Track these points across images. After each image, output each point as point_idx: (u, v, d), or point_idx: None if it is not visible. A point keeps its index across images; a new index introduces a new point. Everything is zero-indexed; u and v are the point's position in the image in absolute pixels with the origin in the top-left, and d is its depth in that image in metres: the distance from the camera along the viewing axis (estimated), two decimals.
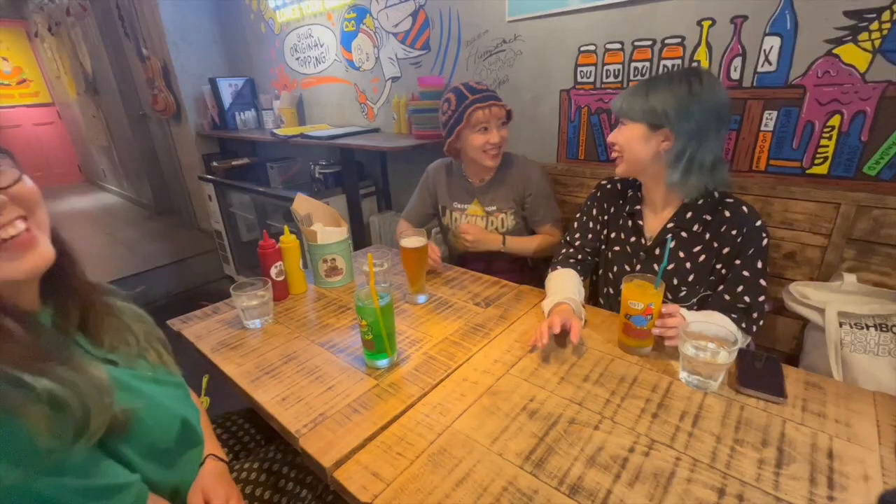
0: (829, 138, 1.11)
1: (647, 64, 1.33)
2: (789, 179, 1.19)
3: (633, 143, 0.97)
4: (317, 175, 2.30)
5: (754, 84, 1.17)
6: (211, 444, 0.77)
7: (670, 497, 0.58)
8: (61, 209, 4.95)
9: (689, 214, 1.00)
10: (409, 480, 0.62)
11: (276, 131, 2.37)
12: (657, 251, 1.04)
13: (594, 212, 1.16)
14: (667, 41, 1.28)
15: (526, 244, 1.37)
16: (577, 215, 1.20)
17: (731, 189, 0.99)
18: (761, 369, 0.79)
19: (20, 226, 0.48)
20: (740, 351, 0.82)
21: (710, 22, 1.20)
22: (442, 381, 0.83)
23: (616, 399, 0.76)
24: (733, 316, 0.93)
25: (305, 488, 0.82)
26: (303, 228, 1.22)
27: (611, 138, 1.02)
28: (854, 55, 1.03)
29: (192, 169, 3.36)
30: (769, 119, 1.17)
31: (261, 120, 2.92)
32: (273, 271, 1.12)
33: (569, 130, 1.57)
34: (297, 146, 2.41)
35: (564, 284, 1.05)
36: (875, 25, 0.99)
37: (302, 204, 1.26)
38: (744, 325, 0.93)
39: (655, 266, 1.03)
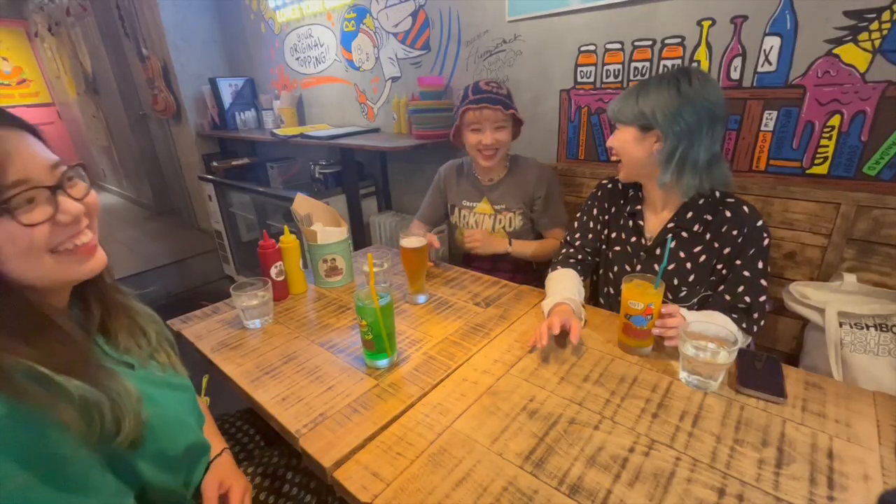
0: (829, 138, 1.11)
1: (647, 64, 1.33)
2: (789, 179, 1.19)
3: (626, 145, 0.98)
4: (317, 175, 2.30)
5: (754, 84, 1.17)
6: (219, 443, 0.78)
7: (670, 497, 0.58)
8: None
9: (689, 214, 1.00)
10: (409, 480, 0.62)
11: (276, 131, 2.37)
12: (657, 251, 1.04)
13: (594, 211, 1.16)
14: (667, 41, 1.28)
15: (532, 248, 1.37)
16: (578, 215, 1.20)
17: (733, 188, 0.99)
18: (761, 369, 0.79)
19: (89, 234, 0.54)
20: (740, 351, 0.82)
21: (710, 22, 1.20)
22: (442, 381, 0.83)
23: (616, 399, 0.76)
24: (734, 316, 0.93)
25: (309, 493, 0.82)
26: (303, 228, 1.22)
27: (609, 143, 1.03)
28: (854, 55, 1.03)
29: (192, 169, 3.36)
30: (769, 119, 1.17)
31: (261, 120, 2.92)
32: (273, 271, 1.12)
33: (569, 130, 1.57)
34: (297, 146, 2.41)
35: (564, 284, 1.05)
36: (875, 25, 0.99)
37: (302, 204, 1.26)
38: (744, 325, 0.93)
39: (656, 266, 1.03)
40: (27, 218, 0.47)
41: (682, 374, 0.80)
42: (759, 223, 0.94)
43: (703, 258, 0.99)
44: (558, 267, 1.14)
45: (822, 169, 1.14)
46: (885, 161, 1.05)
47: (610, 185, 1.15)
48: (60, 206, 0.50)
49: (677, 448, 0.66)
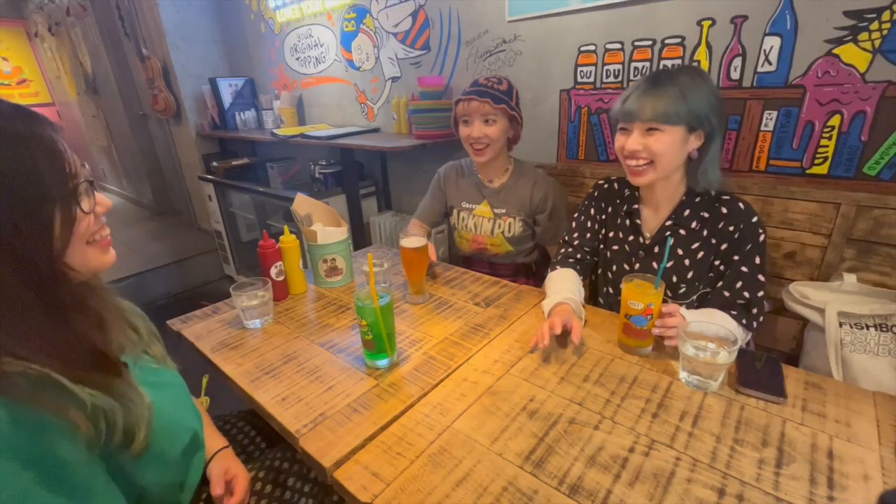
0: (829, 138, 1.11)
1: (647, 64, 1.33)
2: (789, 179, 1.19)
3: (673, 148, 0.93)
4: (317, 175, 2.30)
5: (754, 84, 1.17)
6: (219, 440, 0.79)
7: (670, 497, 0.58)
8: None
9: (687, 212, 1.00)
10: (409, 480, 0.62)
11: (276, 131, 2.37)
12: (656, 249, 1.04)
13: (592, 211, 1.16)
14: (667, 41, 1.28)
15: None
16: (575, 215, 1.20)
17: (726, 187, 1.00)
18: (761, 369, 0.79)
19: (108, 229, 0.61)
20: (740, 351, 0.82)
21: (710, 22, 1.20)
22: (442, 381, 0.83)
23: (616, 399, 0.76)
24: (733, 312, 0.93)
25: (309, 493, 0.82)
26: (303, 228, 1.22)
27: (640, 146, 0.93)
28: (854, 55, 1.03)
29: (192, 169, 3.36)
30: (769, 119, 1.17)
31: (261, 120, 2.92)
32: (273, 271, 1.12)
33: (569, 130, 1.57)
34: (297, 146, 2.41)
35: (564, 284, 1.05)
36: (875, 25, 0.99)
37: (302, 204, 1.26)
38: (744, 322, 0.93)
39: (654, 264, 1.03)
40: (87, 206, 0.53)
41: (682, 374, 0.80)
42: (755, 219, 0.95)
43: (700, 255, 1.00)
44: (557, 267, 1.14)
45: (822, 169, 1.14)
46: (886, 161, 1.05)
47: (606, 185, 1.15)
48: (97, 198, 0.56)
49: (677, 448, 0.66)
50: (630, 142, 0.95)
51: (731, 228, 0.96)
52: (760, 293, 0.94)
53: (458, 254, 1.53)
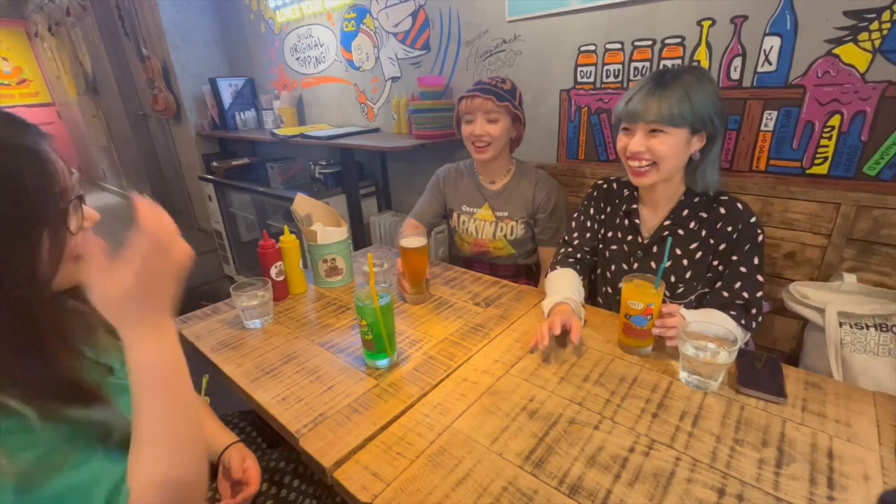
0: (829, 138, 1.11)
1: (647, 64, 1.33)
2: (789, 179, 1.19)
3: (676, 150, 0.93)
4: (317, 175, 2.30)
5: (754, 84, 1.17)
6: (228, 436, 0.81)
7: (670, 497, 0.58)
8: None
9: (685, 212, 1.00)
10: (409, 480, 0.62)
11: (276, 131, 2.37)
12: (654, 249, 1.04)
13: (591, 211, 1.16)
14: (667, 41, 1.28)
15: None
16: (575, 215, 1.20)
17: (724, 188, 1.01)
18: (761, 369, 0.79)
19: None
20: (740, 351, 0.82)
21: (710, 22, 1.20)
22: (442, 381, 0.83)
23: (616, 399, 0.76)
24: (732, 313, 0.93)
25: (309, 493, 0.82)
26: (303, 228, 1.22)
27: (643, 148, 0.93)
28: (854, 55, 1.03)
29: (192, 169, 3.36)
30: (769, 119, 1.17)
31: (261, 120, 2.92)
32: (273, 271, 1.12)
33: (569, 130, 1.57)
34: (297, 146, 2.41)
35: (564, 284, 1.05)
36: (875, 25, 0.99)
37: (302, 204, 1.26)
38: (743, 322, 0.93)
39: (653, 264, 1.04)
40: (74, 226, 0.50)
41: (682, 374, 0.80)
42: (753, 219, 0.95)
43: (699, 255, 1.00)
44: (557, 267, 1.14)
45: (822, 169, 1.14)
46: (885, 161, 1.05)
47: (605, 186, 1.15)
48: (85, 213, 0.52)
49: (677, 448, 0.66)
50: (633, 143, 0.94)
51: (730, 229, 0.96)
52: (759, 293, 0.94)
53: (459, 255, 1.52)
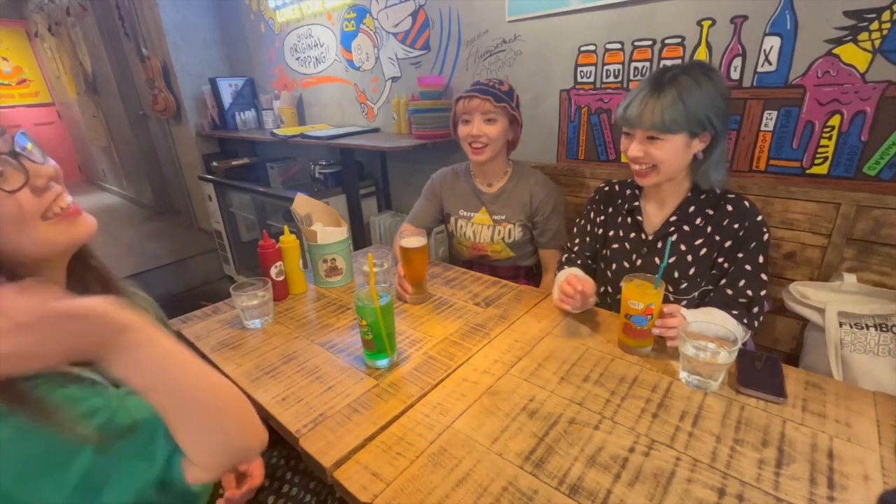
0: (829, 138, 1.11)
1: (647, 64, 1.33)
2: (789, 179, 1.19)
3: (675, 155, 0.93)
4: (317, 175, 2.30)
5: (754, 84, 1.17)
6: None
7: (670, 497, 0.58)
8: None
9: (691, 209, 1.00)
10: (409, 480, 0.62)
11: (276, 131, 2.37)
12: (659, 245, 1.04)
13: (592, 215, 1.18)
14: (667, 41, 1.28)
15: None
16: (577, 220, 1.21)
17: (728, 187, 1.01)
18: (761, 369, 0.79)
19: (68, 198, 0.52)
20: (740, 351, 0.81)
21: (710, 22, 1.20)
22: (442, 381, 0.83)
23: (616, 399, 0.76)
24: (734, 312, 0.93)
25: (309, 493, 0.82)
26: (303, 228, 1.22)
27: (642, 153, 0.95)
28: (854, 55, 1.03)
29: (192, 169, 3.36)
30: (769, 119, 1.17)
31: (261, 120, 2.92)
32: (273, 271, 1.12)
33: (569, 130, 1.57)
34: (297, 146, 2.41)
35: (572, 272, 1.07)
36: (875, 25, 0.99)
37: (302, 204, 1.26)
38: (745, 321, 0.93)
39: (657, 260, 1.04)
40: (6, 184, 0.46)
41: (682, 374, 0.80)
42: (759, 218, 0.96)
43: (703, 251, 1.00)
44: (565, 268, 1.17)
45: (822, 169, 1.14)
46: (885, 161, 1.05)
47: (607, 188, 1.17)
48: (30, 170, 0.48)
49: (677, 448, 0.66)
50: (632, 148, 0.97)
51: (737, 226, 0.96)
52: (763, 292, 0.94)
53: (459, 258, 1.52)
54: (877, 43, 1.00)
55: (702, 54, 1.23)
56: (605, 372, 0.83)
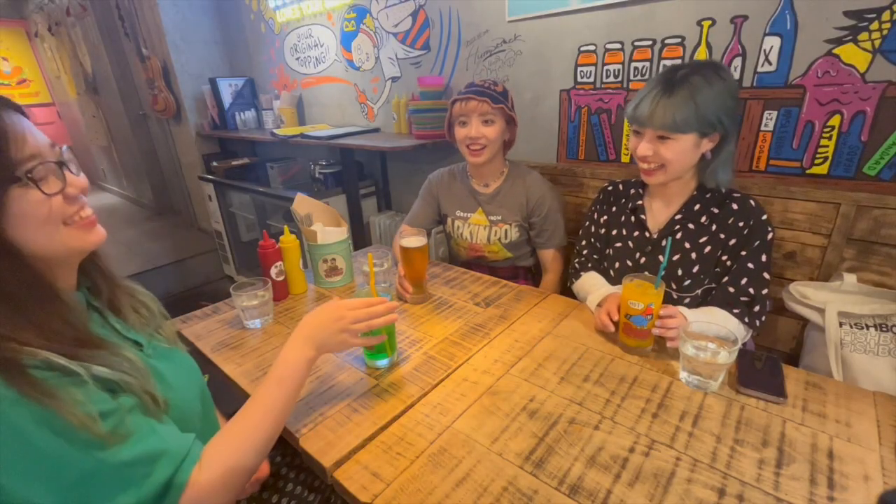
0: (829, 138, 1.11)
1: (647, 64, 1.33)
2: (789, 179, 1.19)
3: (684, 155, 0.93)
4: (317, 175, 2.30)
5: (754, 84, 1.17)
6: None
7: (670, 497, 0.58)
8: None
9: (696, 207, 1.01)
10: (410, 480, 0.62)
11: (276, 131, 2.37)
12: (664, 242, 1.04)
13: (595, 216, 1.18)
14: (667, 41, 1.28)
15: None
16: (585, 222, 1.21)
17: (733, 185, 1.01)
18: (761, 369, 0.79)
19: (89, 210, 0.59)
20: (740, 351, 0.81)
21: (710, 22, 1.20)
22: (442, 381, 0.83)
23: (616, 399, 0.76)
24: (735, 311, 0.93)
25: (310, 493, 0.82)
26: (303, 228, 1.22)
27: (651, 152, 0.94)
28: (854, 55, 1.03)
29: (192, 169, 3.36)
30: (769, 119, 1.17)
31: (261, 120, 2.92)
32: (273, 271, 1.12)
33: (569, 130, 1.57)
34: (297, 146, 2.41)
35: (599, 281, 1.10)
36: (875, 25, 0.99)
37: (302, 204, 1.26)
38: (747, 320, 0.93)
39: (661, 258, 1.04)
40: (47, 188, 0.51)
41: (683, 374, 0.80)
42: (764, 217, 0.96)
43: (708, 249, 1.00)
44: (581, 273, 1.17)
45: (822, 169, 1.14)
46: (885, 161, 1.05)
47: (610, 188, 1.17)
48: (67, 179, 0.54)
49: (677, 448, 0.66)
50: (641, 147, 0.96)
51: (741, 224, 0.96)
52: (765, 290, 0.94)
53: (457, 259, 1.51)
54: (877, 43, 1.00)
55: (702, 54, 1.23)
56: (605, 372, 0.83)
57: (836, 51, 1.05)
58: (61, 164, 0.54)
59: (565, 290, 1.27)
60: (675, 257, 1.02)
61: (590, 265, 1.18)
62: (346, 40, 2.24)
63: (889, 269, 1.05)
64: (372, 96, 2.25)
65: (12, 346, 0.46)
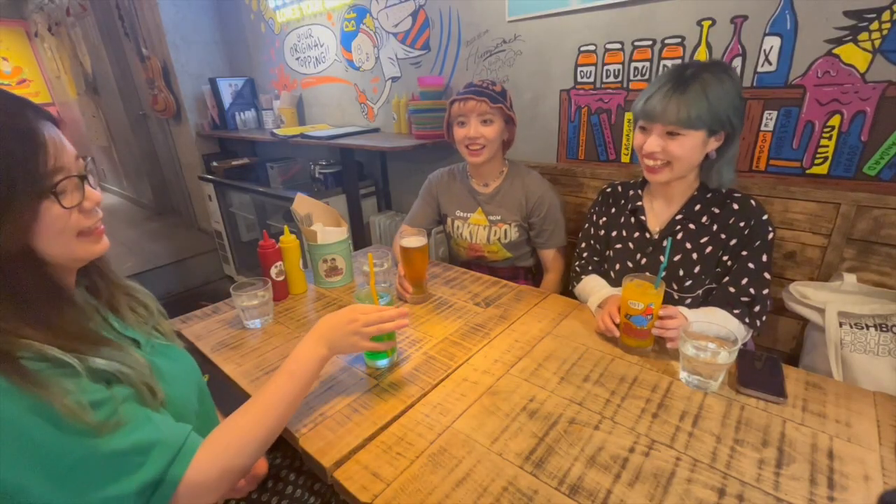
0: (829, 138, 1.11)
1: (647, 64, 1.33)
2: (789, 179, 1.19)
3: (692, 152, 0.93)
4: (317, 175, 2.30)
5: (754, 84, 1.17)
6: None
7: (670, 497, 0.58)
8: None
9: (697, 207, 1.01)
10: (410, 480, 0.62)
11: (276, 131, 2.37)
12: (664, 243, 1.04)
13: (595, 217, 1.18)
14: (667, 41, 1.28)
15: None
16: (584, 225, 1.21)
17: (735, 185, 1.02)
18: (761, 369, 0.79)
19: (100, 221, 0.61)
20: (740, 351, 0.81)
21: (710, 22, 1.20)
22: (442, 381, 0.83)
23: (616, 399, 0.76)
24: (735, 311, 0.93)
25: (310, 493, 0.82)
26: (303, 228, 1.22)
27: (659, 148, 0.94)
28: (854, 55, 1.03)
29: (192, 169, 3.36)
30: (769, 119, 1.17)
31: (261, 120, 2.92)
32: (273, 271, 1.12)
33: (569, 130, 1.57)
34: (297, 146, 2.41)
35: (600, 283, 1.10)
36: (875, 25, 0.99)
37: (302, 204, 1.26)
38: (747, 320, 0.93)
39: (661, 258, 1.04)
40: (68, 202, 0.53)
41: (683, 374, 0.80)
42: (765, 217, 0.96)
43: (709, 249, 1.00)
44: (582, 277, 1.17)
45: (822, 169, 1.14)
46: (885, 161, 1.05)
47: (609, 189, 1.17)
48: (86, 193, 0.56)
49: (677, 448, 0.66)
50: (649, 143, 0.95)
51: (742, 224, 0.96)
52: (766, 290, 0.94)
53: (457, 259, 1.51)
54: (877, 43, 1.00)
55: (702, 54, 1.23)
56: (605, 372, 0.83)
57: (836, 51, 1.05)
58: (83, 178, 0.56)
59: (567, 289, 1.27)
60: (676, 257, 1.02)
61: (590, 268, 1.18)
62: (346, 40, 2.24)
63: (889, 269, 1.05)
64: (372, 96, 2.25)
65: (9, 339, 0.47)
